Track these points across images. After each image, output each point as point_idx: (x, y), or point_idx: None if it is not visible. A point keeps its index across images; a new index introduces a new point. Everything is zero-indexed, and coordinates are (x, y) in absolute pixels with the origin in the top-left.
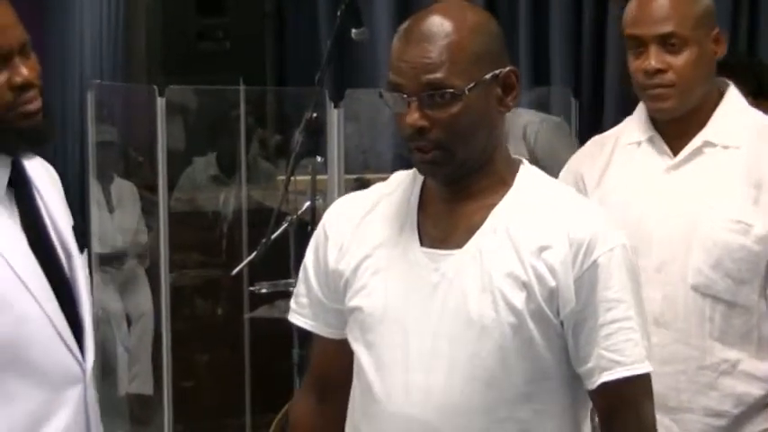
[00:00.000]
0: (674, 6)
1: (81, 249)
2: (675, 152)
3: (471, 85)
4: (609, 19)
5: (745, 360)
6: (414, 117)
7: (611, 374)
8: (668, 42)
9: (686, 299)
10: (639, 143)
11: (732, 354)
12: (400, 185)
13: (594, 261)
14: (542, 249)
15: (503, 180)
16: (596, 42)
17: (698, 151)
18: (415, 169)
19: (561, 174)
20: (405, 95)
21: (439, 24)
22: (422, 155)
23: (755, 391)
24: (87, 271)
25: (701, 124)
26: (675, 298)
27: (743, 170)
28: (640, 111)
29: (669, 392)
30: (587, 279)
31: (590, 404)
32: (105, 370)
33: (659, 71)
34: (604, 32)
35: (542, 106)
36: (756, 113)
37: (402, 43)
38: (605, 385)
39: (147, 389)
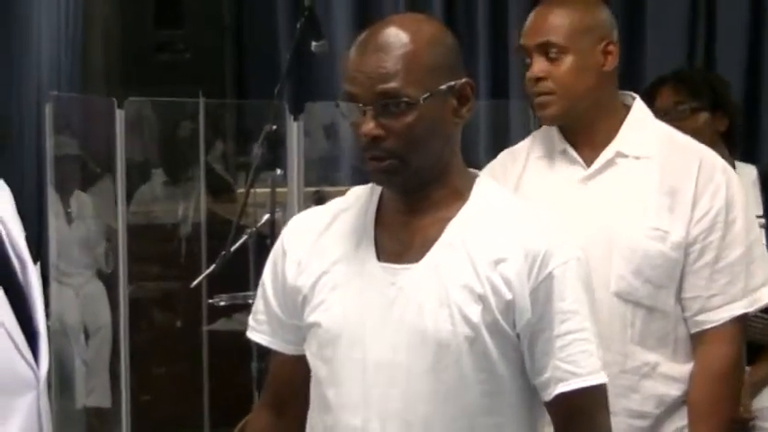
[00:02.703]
0: (552, 18)
1: (34, 261)
2: (588, 164)
3: (426, 95)
4: None
5: (663, 363)
6: (369, 126)
7: (566, 385)
8: (548, 52)
9: (609, 305)
10: (552, 155)
11: (651, 357)
12: (357, 200)
13: (550, 273)
14: (498, 262)
15: (458, 192)
16: None
17: (611, 162)
18: (372, 184)
19: None
20: (360, 105)
21: (395, 35)
22: (376, 164)
23: (674, 392)
24: (40, 281)
25: (611, 137)
26: (598, 305)
27: (656, 179)
28: None
29: None
30: (543, 291)
31: (547, 416)
32: (63, 383)
33: (540, 79)
34: None
35: (500, 120)
36: (662, 125)
37: (358, 54)
38: (561, 396)
39: (105, 402)
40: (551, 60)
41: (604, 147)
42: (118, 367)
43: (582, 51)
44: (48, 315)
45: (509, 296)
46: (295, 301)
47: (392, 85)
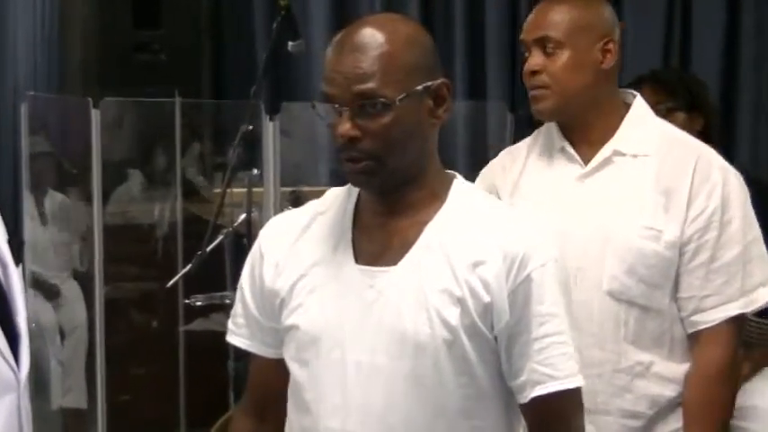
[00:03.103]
0: (551, 14)
1: (16, 263)
2: (586, 162)
3: (403, 95)
4: None
5: (658, 362)
6: (345, 127)
7: (543, 388)
8: (546, 46)
9: (601, 304)
10: (551, 153)
11: (645, 356)
12: (335, 202)
13: (528, 275)
14: (476, 265)
15: (436, 194)
16: None
17: (608, 160)
18: (349, 186)
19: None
20: (337, 105)
21: (371, 35)
22: (353, 165)
23: (668, 392)
24: (22, 283)
25: (610, 134)
26: (590, 303)
27: (652, 178)
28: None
29: (585, 395)
30: (521, 293)
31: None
32: (38, 383)
33: (535, 73)
34: None
35: (478, 121)
36: (663, 123)
37: (335, 54)
38: (537, 399)
39: (81, 402)
40: (548, 55)
41: (602, 144)
42: (94, 368)
43: (579, 48)
44: None
45: (487, 299)
46: (273, 305)
47: (369, 85)
